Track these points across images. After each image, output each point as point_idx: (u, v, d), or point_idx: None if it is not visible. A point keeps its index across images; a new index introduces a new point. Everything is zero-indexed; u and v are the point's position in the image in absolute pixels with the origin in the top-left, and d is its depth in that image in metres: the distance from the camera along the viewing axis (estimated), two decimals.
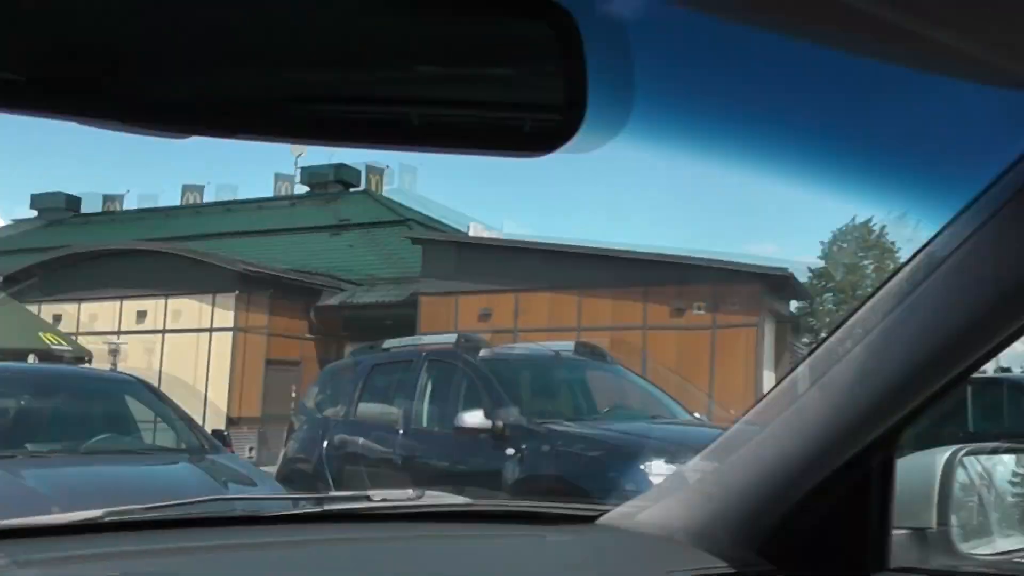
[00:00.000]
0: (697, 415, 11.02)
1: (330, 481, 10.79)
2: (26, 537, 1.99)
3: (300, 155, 37.10)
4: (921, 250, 1.56)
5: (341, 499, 2.66)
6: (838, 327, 1.73)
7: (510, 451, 9.37)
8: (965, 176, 1.47)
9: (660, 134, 1.50)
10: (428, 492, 2.47)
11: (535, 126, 1.07)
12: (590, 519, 2.27)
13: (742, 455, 1.89)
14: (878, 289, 1.65)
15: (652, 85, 1.38)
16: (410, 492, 2.44)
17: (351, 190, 36.93)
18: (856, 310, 1.70)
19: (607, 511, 2.26)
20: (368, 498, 2.35)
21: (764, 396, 1.91)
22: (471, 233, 30.78)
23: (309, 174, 37.46)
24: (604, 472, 8.54)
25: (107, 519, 2.06)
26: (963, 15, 0.92)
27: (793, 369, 1.83)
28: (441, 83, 1.02)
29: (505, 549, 2.21)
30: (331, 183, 36.45)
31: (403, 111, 1.02)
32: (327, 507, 2.44)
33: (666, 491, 2.13)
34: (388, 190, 37.83)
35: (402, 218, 33.28)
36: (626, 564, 2.06)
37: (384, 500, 2.34)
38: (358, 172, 37.31)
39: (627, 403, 11.09)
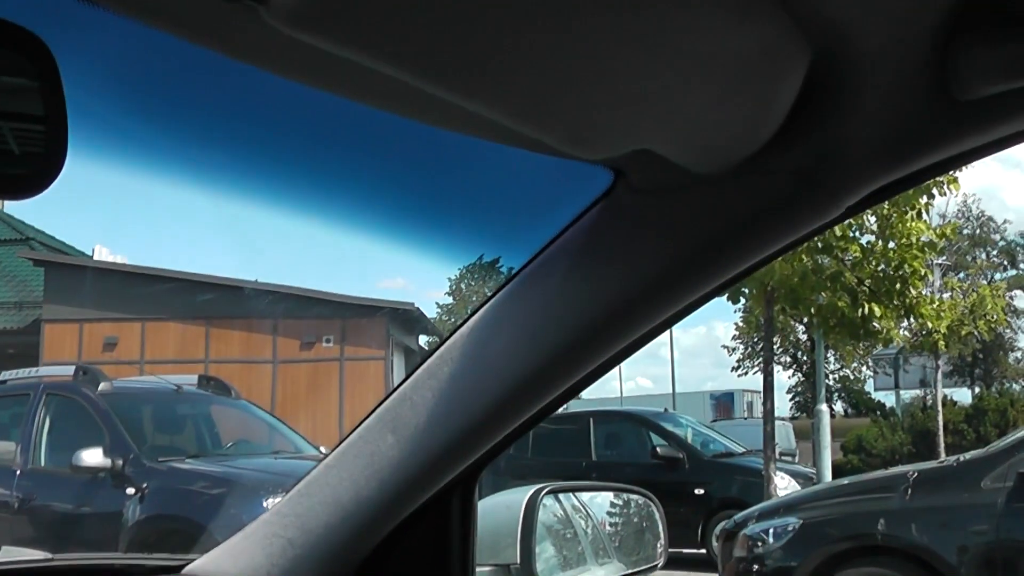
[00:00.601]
0: (323, 449, 10.70)
1: None
2: None
3: None
4: (487, 300, 1.63)
5: None
6: (411, 374, 1.76)
7: (131, 491, 9.08)
8: (536, 233, 1.58)
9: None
10: (6, 548, 2.35)
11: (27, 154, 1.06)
12: (176, 570, 2.15)
13: (321, 499, 1.87)
14: (448, 338, 1.70)
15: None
16: None
17: None
18: (427, 358, 1.74)
19: (191, 560, 2.16)
20: None
21: (344, 439, 1.88)
22: (96, 256, 29.60)
23: None
24: (226, 509, 8.44)
25: None
26: (515, 102, 1.03)
27: (370, 414, 1.82)
28: None
29: None
30: None
31: None
32: None
33: (251, 536, 2.03)
34: (8, 206, 35.83)
35: (24, 236, 31.54)
36: None
37: None
38: None
39: (251, 438, 11.00)
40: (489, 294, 1.65)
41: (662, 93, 1.06)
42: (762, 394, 14.76)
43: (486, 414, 1.64)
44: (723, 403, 41.15)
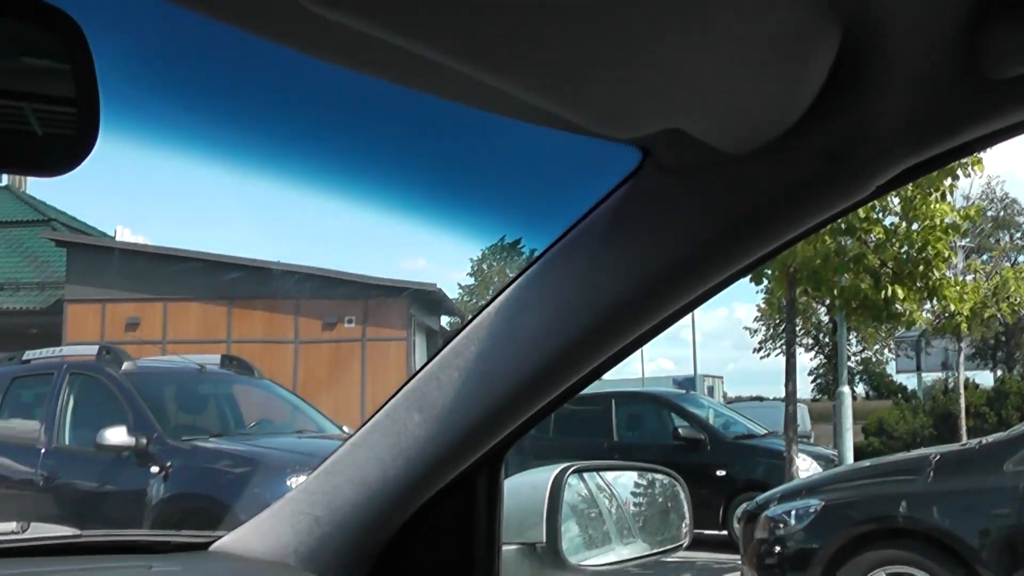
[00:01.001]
0: (346, 429, 10.77)
1: None
2: None
3: None
4: (515, 279, 1.64)
5: None
6: (437, 353, 1.76)
7: (155, 469, 9.11)
8: (563, 212, 1.58)
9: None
10: (36, 524, 2.36)
11: (52, 136, 1.05)
12: (203, 546, 2.18)
13: (348, 477, 1.88)
14: (475, 316, 1.70)
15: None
16: (13, 525, 2.33)
17: None
18: (454, 337, 1.75)
19: (218, 537, 2.17)
20: None
21: (370, 418, 1.88)
22: (118, 237, 29.67)
23: None
24: (249, 488, 8.45)
25: None
26: (544, 79, 1.03)
27: (396, 393, 1.83)
28: None
29: None
30: None
31: None
32: None
33: (278, 514, 2.04)
34: (30, 187, 35.98)
35: (46, 217, 31.63)
36: None
37: None
38: None
39: (274, 417, 10.99)
40: (513, 275, 1.65)
41: (693, 71, 1.06)
42: (785, 375, 14.70)
43: (513, 393, 1.64)
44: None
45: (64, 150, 1.05)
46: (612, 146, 1.34)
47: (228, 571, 2.10)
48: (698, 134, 1.22)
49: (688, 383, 35.87)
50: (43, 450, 10.23)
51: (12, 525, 2.32)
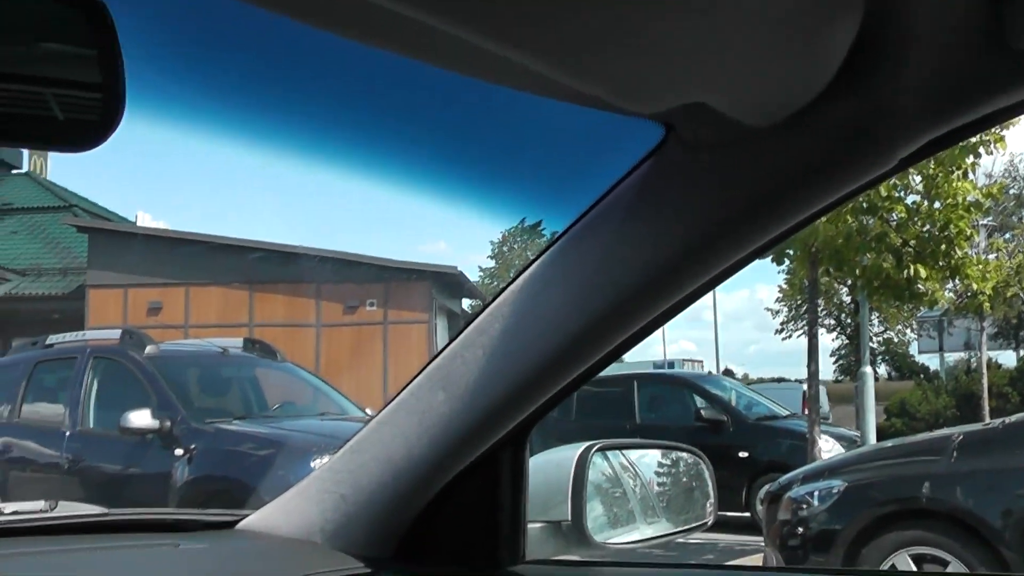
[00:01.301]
0: (368, 411, 10.72)
1: None
2: None
3: None
4: (538, 257, 1.64)
5: None
6: (461, 331, 1.77)
7: (179, 452, 9.15)
8: (585, 189, 1.58)
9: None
10: (63, 503, 2.37)
11: (73, 119, 1.04)
12: (230, 525, 2.20)
13: (373, 455, 1.89)
14: (498, 295, 1.70)
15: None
16: (42, 504, 2.34)
17: (13, 172, 34.88)
18: (477, 316, 1.75)
19: (245, 516, 2.19)
20: None
21: (395, 396, 1.89)
22: (139, 223, 29.82)
23: None
24: (274, 470, 8.48)
25: None
26: (567, 55, 1.03)
27: (420, 372, 1.83)
28: None
29: (137, 560, 2.09)
30: None
31: None
32: None
33: (304, 492, 2.07)
34: (52, 174, 36.15)
35: (67, 203, 31.82)
36: (260, 568, 2.00)
37: (15, 513, 2.23)
38: (20, 153, 35.31)
39: (297, 400, 11.00)
40: (534, 256, 1.65)
41: (716, 43, 1.06)
42: (807, 356, 14.66)
43: (537, 371, 1.64)
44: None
45: (86, 132, 1.05)
46: (634, 122, 1.33)
47: (255, 549, 2.11)
48: (721, 108, 1.22)
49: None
50: (67, 433, 10.29)
51: (41, 503, 2.34)
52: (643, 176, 1.47)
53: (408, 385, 1.85)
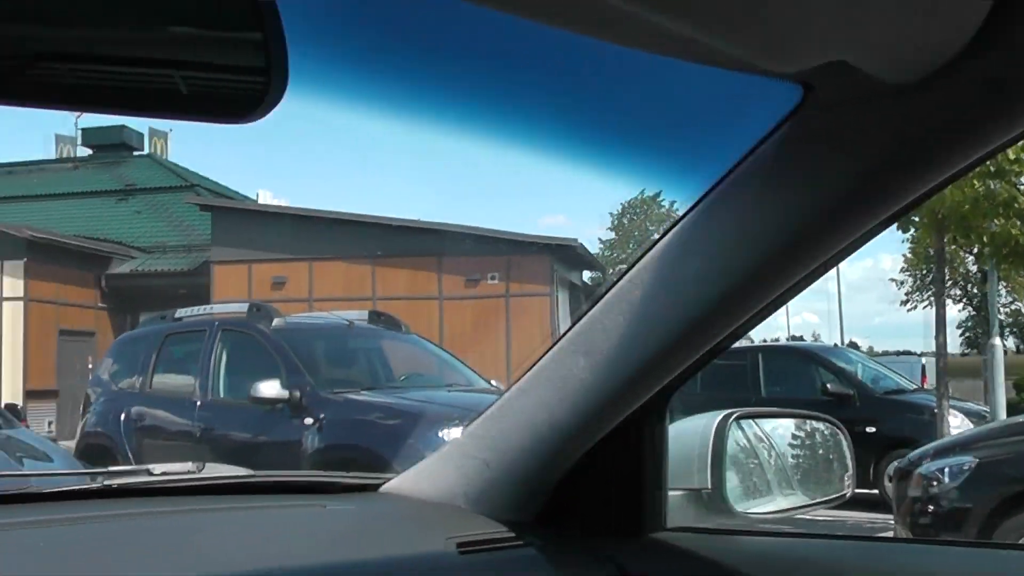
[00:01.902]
0: (494, 383, 10.96)
1: (129, 455, 10.53)
2: None
3: (80, 115, 35.51)
4: (677, 223, 1.62)
5: (121, 474, 2.52)
6: (599, 298, 1.75)
7: (308, 421, 9.28)
8: (718, 155, 1.55)
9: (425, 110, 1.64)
10: (210, 465, 2.41)
11: (235, 91, 1.04)
12: (374, 487, 2.23)
13: (515, 421, 1.89)
14: (637, 260, 1.69)
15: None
16: (191, 465, 2.37)
17: (135, 153, 35.68)
18: (616, 282, 1.73)
19: (388, 479, 2.23)
20: (148, 472, 2.28)
21: (535, 363, 1.88)
22: (260, 200, 30.30)
23: (91, 136, 35.74)
24: (403, 440, 8.54)
25: None
26: (705, 10, 1.01)
27: (560, 338, 1.83)
28: (136, 43, 0.99)
29: (285, 519, 2.12)
30: (114, 146, 34.89)
31: (100, 72, 0.98)
32: (106, 482, 2.30)
33: (447, 457, 2.10)
34: (172, 155, 36.93)
35: (189, 183, 32.48)
36: (407, 530, 2.02)
37: (165, 474, 2.27)
38: (141, 135, 36.06)
39: (423, 371, 11.06)
40: (660, 225, 1.62)
41: None
42: (934, 328, 14.37)
43: (676, 338, 1.63)
44: None
45: (248, 105, 1.06)
46: (769, 84, 1.30)
47: (400, 511, 2.13)
48: (863, 65, 1.19)
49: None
50: (198, 403, 10.53)
51: (189, 465, 2.37)
52: (781, 139, 1.45)
53: (548, 351, 1.85)
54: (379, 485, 2.23)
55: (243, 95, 1.04)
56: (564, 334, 1.83)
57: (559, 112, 1.72)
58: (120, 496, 2.24)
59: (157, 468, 2.31)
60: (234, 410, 10.24)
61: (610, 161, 1.92)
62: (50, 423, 21.68)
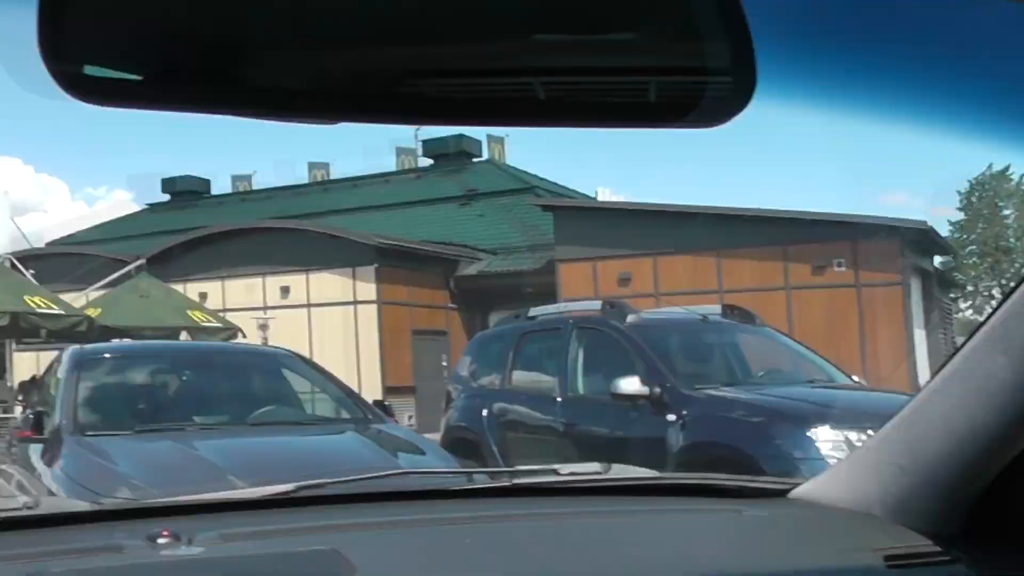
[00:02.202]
0: (855, 378, 10.62)
1: (494, 449, 10.83)
2: (219, 511, 2.05)
3: (419, 128, 36.91)
4: None
5: (528, 473, 2.65)
6: (1017, 287, 1.61)
7: (671, 418, 9.14)
8: None
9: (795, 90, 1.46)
10: (615, 466, 2.42)
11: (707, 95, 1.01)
12: (781, 493, 2.22)
13: (931, 426, 1.80)
14: None
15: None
16: (596, 466, 2.40)
17: (474, 160, 37.11)
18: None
19: (796, 484, 2.21)
20: (555, 472, 2.33)
21: (946, 363, 1.79)
22: (600, 197, 30.68)
23: (430, 146, 37.44)
24: (770, 439, 8.31)
25: (299, 493, 2.11)
26: None
27: (973, 334, 1.72)
28: (589, 52, 0.97)
29: (702, 524, 2.16)
30: (453, 155, 36.30)
31: (527, 84, 0.96)
32: (515, 481, 2.45)
33: (859, 463, 2.04)
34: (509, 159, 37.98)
35: (528, 185, 33.37)
36: (830, 540, 1.98)
37: (572, 474, 2.32)
38: (479, 142, 37.37)
39: (782, 367, 10.79)
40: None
41: None
42: None
43: None
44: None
45: (719, 109, 1.03)
46: None
47: (817, 519, 2.08)
48: None
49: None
50: (559, 399, 10.65)
51: (595, 465, 2.41)
52: None
53: (960, 350, 1.74)
54: (788, 490, 2.22)
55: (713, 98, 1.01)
56: (976, 330, 1.71)
57: (931, 77, 1.52)
58: (525, 495, 2.33)
59: (564, 468, 2.35)
60: (594, 406, 10.30)
61: (969, 127, 1.69)
62: (410, 417, 22.68)
